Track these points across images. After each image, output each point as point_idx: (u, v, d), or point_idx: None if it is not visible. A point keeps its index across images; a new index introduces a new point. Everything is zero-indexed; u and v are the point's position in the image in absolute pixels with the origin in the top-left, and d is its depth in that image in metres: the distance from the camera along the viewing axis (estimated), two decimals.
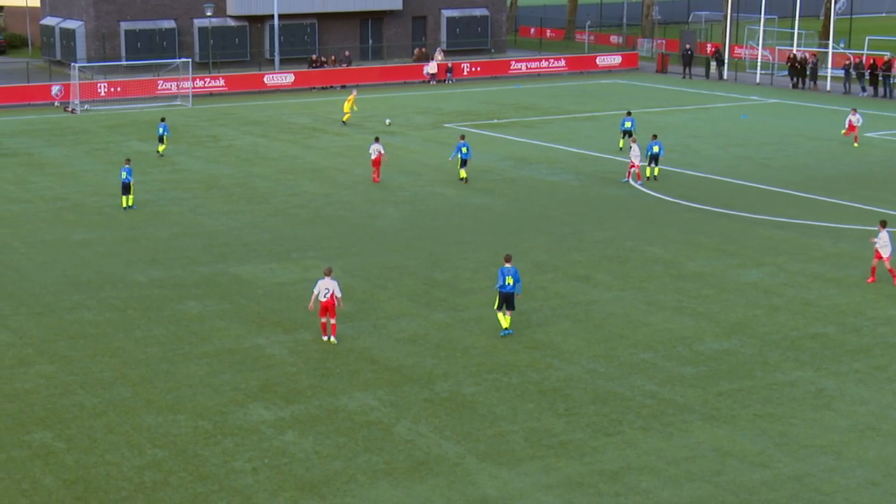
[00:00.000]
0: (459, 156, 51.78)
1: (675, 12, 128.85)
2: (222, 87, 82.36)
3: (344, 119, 68.68)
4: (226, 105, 76.72)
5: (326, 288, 31.16)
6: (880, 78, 79.75)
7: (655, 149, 51.89)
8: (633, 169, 51.45)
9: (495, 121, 69.23)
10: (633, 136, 55.31)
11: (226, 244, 41.64)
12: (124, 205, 46.77)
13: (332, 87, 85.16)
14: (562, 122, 68.87)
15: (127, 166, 46.76)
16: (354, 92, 70.92)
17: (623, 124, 58.74)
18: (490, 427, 26.10)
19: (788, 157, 57.41)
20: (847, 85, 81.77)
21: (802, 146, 60.67)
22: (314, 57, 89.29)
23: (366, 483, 23.47)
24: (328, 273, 31.53)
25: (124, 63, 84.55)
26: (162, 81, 79.67)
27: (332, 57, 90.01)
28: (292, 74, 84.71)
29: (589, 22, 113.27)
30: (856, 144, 59.73)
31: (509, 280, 31.24)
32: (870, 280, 36.76)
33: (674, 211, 46.39)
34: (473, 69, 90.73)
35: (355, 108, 68.89)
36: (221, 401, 27.55)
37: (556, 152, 59.07)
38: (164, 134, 58.62)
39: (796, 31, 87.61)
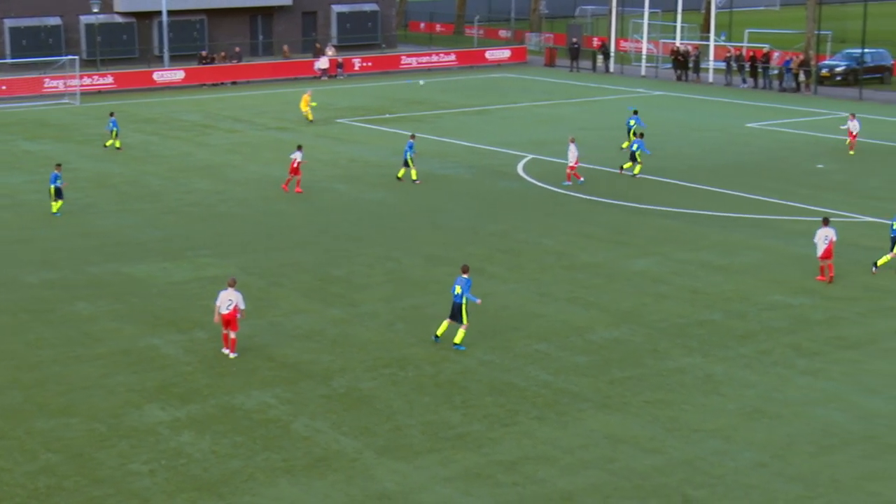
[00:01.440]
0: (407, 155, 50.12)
1: (561, 7, 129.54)
2: (111, 84, 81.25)
3: (309, 118, 67.20)
4: (114, 103, 75.64)
5: (229, 300, 29.64)
6: (759, 70, 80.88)
7: (634, 147, 51.08)
8: (571, 171, 49.66)
9: (386, 115, 69.15)
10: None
11: (118, 244, 41.12)
12: (54, 210, 45.43)
13: (222, 83, 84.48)
14: (453, 117, 68.99)
15: (56, 172, 45.52)
16: (309, 91, 69.94)
17: (628, 123, 57.12)
18: (387, 421, 26.08)
19: (674, 148, 58.02)
20: (728, 77, 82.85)
21: (687, 137, 61.36)
22: (204, 53, 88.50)
23: (265, 481, 23.32)
24: (231, 284, 29.95)
25: (9, 61, 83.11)
26: (48, 79, 78.41)
27: (223, 53, 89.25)
28: (182, 71, 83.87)
29: (478, 17, 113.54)
30: (851, 152, 55.83)
31: (458, 289, 30.15)
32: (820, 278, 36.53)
33: (565, 203, 46.69)
34: (364, 64, 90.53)
35: (313, 103, 67.83)
36: (116, 402, 27.19)
37: (448, 146, 59.17)
38: (114, 129, 57.89)
39: (679, 25, 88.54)
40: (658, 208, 45.38)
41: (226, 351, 30.16)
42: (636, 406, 26.88)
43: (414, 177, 50.29)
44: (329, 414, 26.50)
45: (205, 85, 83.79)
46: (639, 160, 51.08)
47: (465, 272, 30.43)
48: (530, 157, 55.56)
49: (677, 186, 49.42)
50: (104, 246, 40.85)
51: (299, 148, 49.57)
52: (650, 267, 37.71)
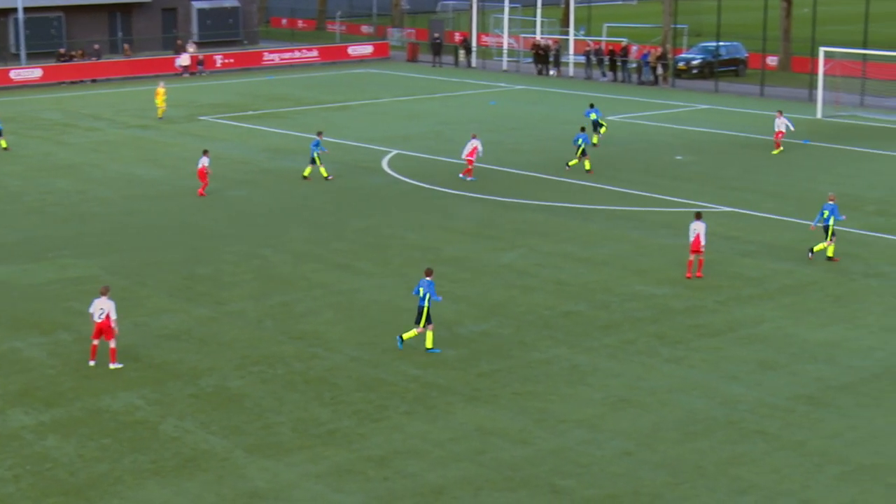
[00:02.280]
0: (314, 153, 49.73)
1: (423, 2, 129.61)
2: None
3: (159, 115, 66.43)
4: None
5: (101, 308, 28.73)
6: (618, 63, 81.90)
7: (580, 141, 50.49)
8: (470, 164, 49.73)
9: (249, 112, 68.65)
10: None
11: None
12: None
13: (82, 81, 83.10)
14: (316, 113, 68.72)
15: None
16: (162, 84, 69.02)
17: (588, 116, 57.47)
18: (257, 419, 25.92)
19: (537, 142, 58.48)
20: (588, 71, 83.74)
21: (549, 131, 61.88)
22: (62, 51, 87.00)
23: (133, 484, 23.01)
24: (104, 292, 28.98)
25: None
26: None
27: (81, 51, 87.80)
28: (40, 69, 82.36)
29: (340, 12, 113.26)
30: (775, 151, 54.95)
31: (422, 292, 29.65)
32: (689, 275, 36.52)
33: (430, 197, 46.82)
34: (226, 61, 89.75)
35: (165, 97, 67.00)
36: None
37: (310, 143, 58.83)
38: None
39: (539, 20, 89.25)
40: (522, 201, 45.72)
41: (93, 362, 29.04)
42: (505, 398, 27.07)
43: (324, 174, 49.73)
44: (198, 414, 26.25)
45: (64, 83, 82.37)
46: (587, 154, 50.71)
47: (428, 275, 29.92)
48: (395, 152, 55.60)
49: (540, 179, 49.82)
50: None
51: (205, 153, 48.07)
52: (516, 260, 37.99)
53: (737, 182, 48.97)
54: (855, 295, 34.30)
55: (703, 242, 35.62)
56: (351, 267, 37.35)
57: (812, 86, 69.51)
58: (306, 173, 50.18)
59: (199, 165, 47.53)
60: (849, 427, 25.34)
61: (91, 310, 29.00)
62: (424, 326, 29.89)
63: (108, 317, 28.72)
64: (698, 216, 36.22)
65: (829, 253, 37.38)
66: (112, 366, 28.92)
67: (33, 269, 37.47)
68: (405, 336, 30.18)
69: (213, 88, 79.75)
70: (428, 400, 26.96)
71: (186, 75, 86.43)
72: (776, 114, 56.13)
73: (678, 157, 53.73)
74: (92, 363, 29.05)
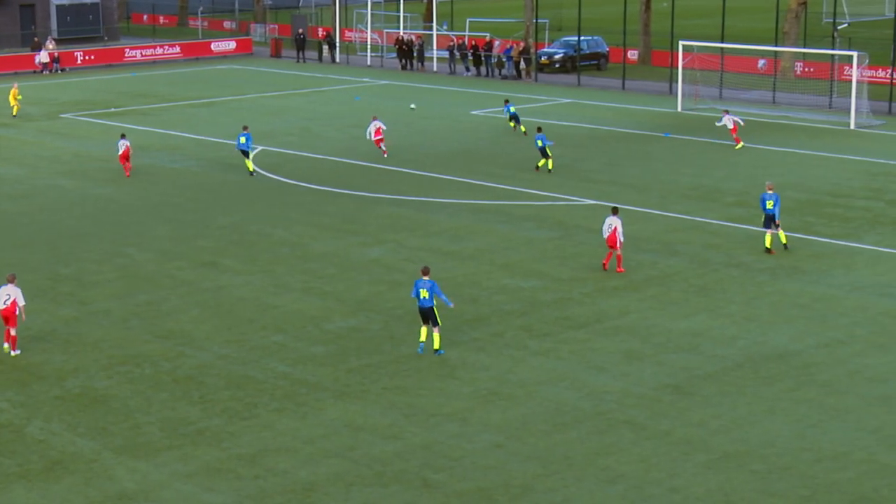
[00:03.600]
0: (238, 147, 49.54)
1: None
2: None
3: (14, 113, 65.27)
4: None
5: (7, 294, 28.97)
6: (482, 58, 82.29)
7: (539, 143, 49.44)
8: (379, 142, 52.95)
9: (112, 109, 67.64)
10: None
11: None
12: None
13: None
14: (179, 109, 67.96)
15: None
16: (16, 84, 67.77)
17: (508, 110, 58.96)
18: (125, 420, 25.55)
19: (402, 137, 58.46)
20: (452, 65, 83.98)
21: (414, 125, 61.92)
22: None
23: None
24: (11, 280, 29.40)
25: None
26: None
27: None
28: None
29: (202, 8, 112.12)
30: (738, 146, 54.82)
31: (424, 293, 28.95)
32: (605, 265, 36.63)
33: (295, 193, 46.58)
34: (87, 58, 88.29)
35: (20, 96, 65.78)
36: None
37: (175, 139, 58.27)
38: None
39: (402, 15, 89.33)
40: (387, 196, 45.71)
41: (6, 345, 29.36)
42: (374, 393, 27.05)
43: (250, 168, 49.79)
44: (64, 415, 25.80)
45: None
46: (549, 154, 49.84)
47: (426, 274, 29.37)
48: (259, 148, 55.14)
49: (405, 174, 49.86)
50: None
51: (123, 136, 49.88)
52: (383, 255, 37.96)
53: (599, 175, 49.50)
54: (717, 285, 34.89)
55: (620, 238, 35.70)
56: (217, 264, 37.01)
57: (672, 79, 70.58)
58: (251, 168, 49.86)
59: (121, 149, 49.04)
60: (713, 415, 25.77)
61: None
62: (434, 327, 29.32)
63: (13, 303, 28.96)
64: (615, 211, 36.27)
65: (784, 239, 37.92)
66: (13, 353, 29.17)
67: None
68: (422, 339, 29.54)
69: (75, 86, 78.41)
70: (297, 397, 26.83)
71: (46, 73, 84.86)
72: (723, 113, 56.50)
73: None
74: (14, 353, 29.31)
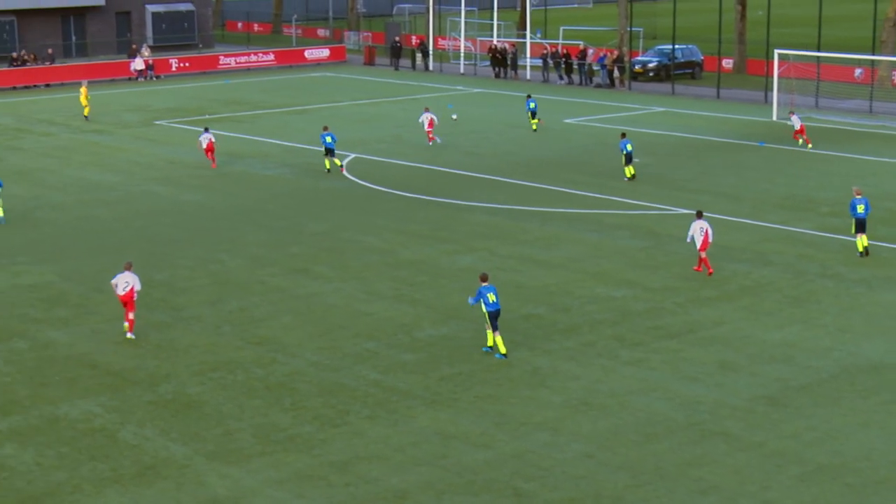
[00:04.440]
0: (324, 146, 51.55)
1: (379, 5, 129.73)
2: None
3: (85, 113, 67.06)
4: None
5: (126, 281, 31.02)
6: (575, 66, 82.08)
7: (629, 147, 49.41)
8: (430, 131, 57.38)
9: (205, 116, 68.37)
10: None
11: None
12: None
13: (35, 86, 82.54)
14: (273, 116, 68.54)
15: None
16: (85, 83, 69.25)
17: (529, 105, 62.12)
18: (217, 426, 25.77)
19: (494, 145, 58.52)
20: (545, 74, 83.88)
21: (506, 134, 61.94)
22: (14, 55, 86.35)
23: (92, 492, 22.83)
24: (128, 267, 31.43)
25: None
26: None
27: (34, 55, 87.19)
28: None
29: (295, 16, 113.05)
30: (809, 146, 56.28)
31: (492, 297, 29.36)
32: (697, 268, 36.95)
33: (386, 200, 46.75)
34: (182, 65, 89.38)
35: (89, 96, 67.39)
36: None
37: (268, 146, 58.76)
38: None
39: (495, 23, 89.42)
40: (479, 204, 45.72)
41: (126, 325, 31.33)
42: (465, 402, 27.05)
43: (333, 165, 51.99)
44: (157, 421, 26.09)
45: (17, 87, 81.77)
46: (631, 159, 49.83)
47: (485, 280, 29.92)
48: (353, 155, 55.49)
49: (497, 182, 49.85)
50: None
51: (206, 129, 53.80)
52: (474, 263, 37.96)
53: (692, 184, 49.15)
54: (811, 296, 34.48)
55: (710, 240, 36.17)
56: (308, 271, 37.24)
57: (767, 88, 69.89)
58: (328, 166, 51.92)
59: (204, 142, 52.85)
60: (808, 427, 25.47)
61: (114, 281, 31.22)
62: (496, 331, 29.72)
63: (132, 289, 30.99)
64: (700, 215, 36.62)
65: (861, 246, 37.95)
66: (129, 335, 31.09)
67: None
68: (491, 343, 29.96)
69: (169, 93, 79.38)
70: (389, 404, 26.91)
71: (141, 80, 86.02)
72: (789, 113, 58.03)
73: (635, 160, 53.48)
74: (130, 335, 31.23)
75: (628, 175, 49.76)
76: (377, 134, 61.77)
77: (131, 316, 31.26)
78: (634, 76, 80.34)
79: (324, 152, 51.83)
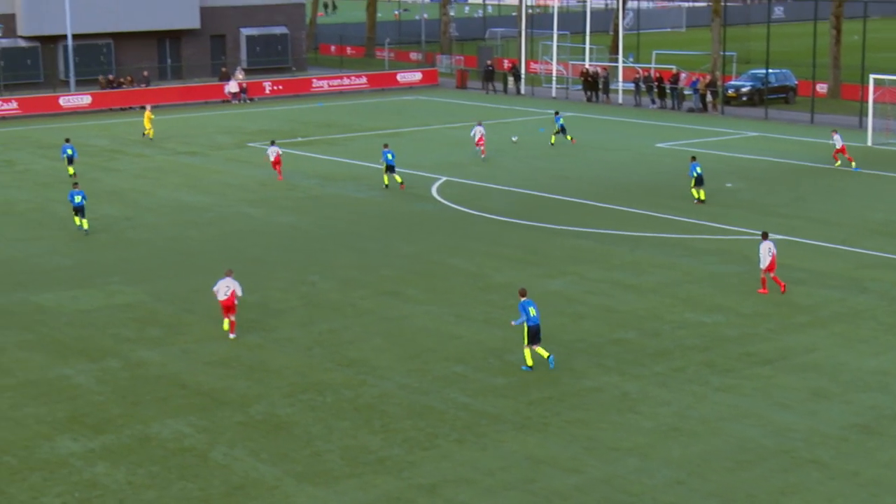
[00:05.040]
0: (385, 163, 53.47)
1: (471, 29, 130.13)
2: (15, 110, 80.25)
3: (150, 135, 68.32)
4: (19, 129, 74.81)
5: (227, 286, 32.88)
6: (667, 90, 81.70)
7: (699, 169, 49.52)
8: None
9: (298, 139, 68.92)
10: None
11: (24, 272, 40.52)
12: (80, 225, 46.18)
13: (130, 108, 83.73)
14: (365, 139, 68.90)
15: (79, 189, 46.51)
16: (148, 107, 70.50)
17: (557, 121, 65.06)
18: (306, 447, 25.90)
19: (584, 169, 58.40)
20: (637, 98, 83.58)
21: (597, 157, 61.78)
22: (110, 77, 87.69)
23: None
24: (229, 274, 33.25)
25: None
26: None
27: (129, 77, 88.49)
28: (89, 96, 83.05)
29: (388, 39, 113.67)
30: (853, 164, 57.26)
31: (533, 311, 30.05)
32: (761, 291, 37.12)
33: (477, 223, 46.79)
34: (275, 88, 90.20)
35: (152, 116, 68.79)
36: (26, 434, 26.73)
37: (360, 169, 59.10)
38: (73, 155, 57.69)
39: (588, 47, 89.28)
40: (569, 228, 45.61)
41: (227, 322, 33.33)
42: (555, 426, 26.95)
43: (392, 181, 53.79)
44: (247, 441, 26.26)
45: (112, 109, 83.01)
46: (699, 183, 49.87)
47: (524, 295, 30.61)
48: (444, 178, 55.65)
49: (587, 206, 49.71)
50: (10, 275, 40.24)
51: (273, 143, 57.19)
52: (564, 287, 37.87)
53: (786, 209, 48.66)
54: None
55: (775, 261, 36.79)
56: (399, 293, 37.35)
57: (862, 113, 69.06)
58: (386, 181, 53.70)
59: (272, 156, 55.74)
60: None
61: (215, 288, 33.14)
62: (537, 344, 30.25)
63: (233, 293, 32.92)
64: (766, 236, 37.04)
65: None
66: (231, 335, 33.00)
67: (81, 295, 37.68)
68: (543, 353, 30.39)
69: (262, 115, 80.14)
70: (478, 428, 26.88)
71: (235, 102, 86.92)
72: (832, 132, 58.27)
73: (728, 185, 53.43)
74: (232, 335, 33.15)
75: (698, 198, 49.58)
76: (468, 157, 61.85)
77: (232, 318, 33.17)
78: (727, 100, 79.75)
79: (384, 169, 53.72)
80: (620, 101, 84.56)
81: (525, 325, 30.22)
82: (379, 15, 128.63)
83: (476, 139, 61.24)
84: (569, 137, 64.57)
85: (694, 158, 50.48)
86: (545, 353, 30.40)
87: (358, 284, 38.42)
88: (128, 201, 52.16)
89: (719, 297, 36.67)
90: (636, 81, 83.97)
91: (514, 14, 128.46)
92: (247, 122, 76.19)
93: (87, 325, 34.59)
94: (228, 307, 33.05)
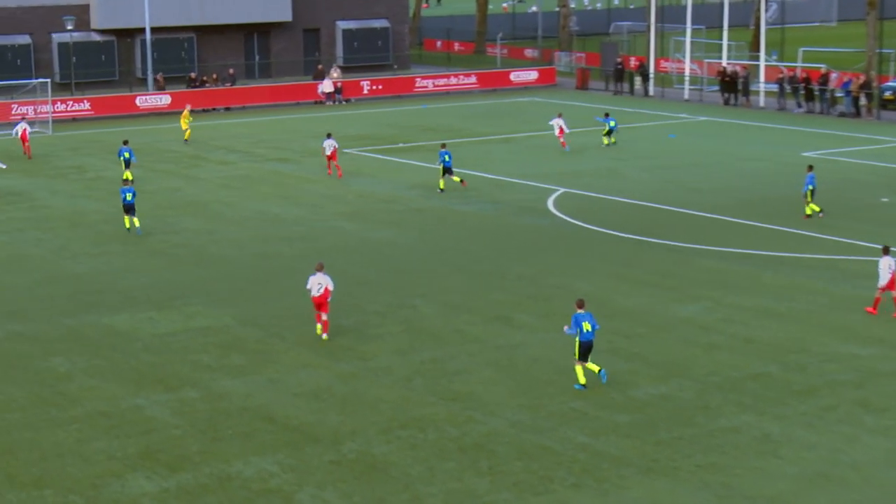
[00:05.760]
0: (442, 164, 55.33)
1: (594, 23, 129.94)
2: (88, 110, 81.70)
3: (186, 137, 69.40)
4: (92, 131, 76.12)
5: (319, 283, 34.80)
6: (816, 93, 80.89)
7: (815, 182, 49.75)
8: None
9: (400, 145, 69.26)
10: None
11: (96, 291, 41.13)
12: (132, 226, 48.41)
13: (214, 109, 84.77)
14: (473, 146, 69.07)
15: (130, 187, 49.10)
16: (188, 106, 71.59)
17: (608, 122, 67.82)
18: (405, 490, 25.96)
19: (720, 180, 58.03)
20: (781, 100, 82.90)
21: (735, 168, 61.38)
22: (193, 76, 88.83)
23: None
24: (320, 269, 35.21)
25: None
26: (17, 105, 78.51)
27: (214, 75, 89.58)
28: (168, 96, 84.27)
29: (501, 34, 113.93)
30: None
31: (587, 326, 31.11)
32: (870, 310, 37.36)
33: (600, 242, 46.67)
34: (374, 87, 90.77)
35: (191, 118, 69.98)
36: (95, 472, 27.07)
37: (468, 179, 59.18)
38: (130, 159, 58.94)
39: (725, 43, 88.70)
40: (703, 247, 45.33)
41: (319, 326, 35.37)
42: (685, 471, 26.76)
43: (449, 183, 55.79)
44: (338, 483, 26.39)
45: (194, 111, 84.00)
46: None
47: (581, 306, 31.54)
48: (562, 190, 55.60)
49: (725, 222, 49.37)
50: (80, 293, 40.86)
51: (329, 136, 59.89)
52: (698, 314, 37.63)
53: None
54: None
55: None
56: (511, 319, 37.33)
57: None
58: (442, 186, 55.58)
59: (328, 149, 58.61)
60: None
61: (308, 286, 35.12)
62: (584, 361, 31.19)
63: (326, 290, 34.80)
64: (887, 251, 36.88)
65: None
66: (324, 336, 35.06)
67: (157, 317, 38.14)
68: (593, 368, 31.18)
69: (359, 118, 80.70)
70: (598, 472, 26.76)
71: (329, 103, 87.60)
72: None
73: (884, 200, 52.78)
74: (325, 336, 35.22)
75: (809, 213, 49.53)
76: (589, 166, 61.76)
77: (324, 317, 35.03)
78: (884, 104, 78.85)
79: (440, 171, 55.59)
80: (762, 104, 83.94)
81: (577, 339, 31.18)
82: (490, 7, 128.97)
83: (556, 131, 65.79)
84: (612, 140, 68.10)
85: (811, 168, 50.35)
86: (595, 368, 31.40)
87: (464, 309, 38.47)
88: (210, 213, 52.76)
89: (874, 326, 36.23)
90: (780, 82, 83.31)
91: (641, 6, 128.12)
92: (343, 126, 76.69)
93: (163, 351, 34.99)
94: (321, 304, 34.97)
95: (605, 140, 68.05)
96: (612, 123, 67.95)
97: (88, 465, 27.43)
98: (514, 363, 33.56)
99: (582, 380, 31.34)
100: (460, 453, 27.82)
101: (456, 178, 55.46)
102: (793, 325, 36.58)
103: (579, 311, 31.37)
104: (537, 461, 27.33)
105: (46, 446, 28.41)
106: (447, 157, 55.34)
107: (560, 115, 66.57)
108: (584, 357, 31.35)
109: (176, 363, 33.93)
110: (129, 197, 47.80)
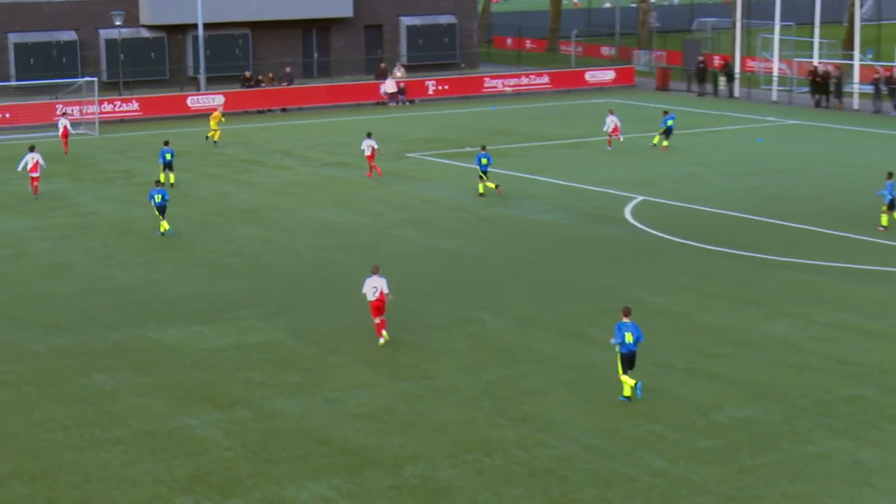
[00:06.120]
0: (479, 168, 56.30)
1: (676, 19, 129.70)
2: (136, 111, 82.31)
3: (215, 138, 70.03)
4: (140, 133, 76.60)
5: (374, 286, 35.82)
6: None
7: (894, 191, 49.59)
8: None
9: (466, 149, 69.26)
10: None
11: (143, 302, 41.34)
12: (162, 229, 49.52)
13: (270, 110, 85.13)
14: (546, 150, 69.03)
15: (160, 188, 50.15)
16: (220, 107, 72.07)
17: (665, 122, 68.24)
18: None
19: (809, 187, 57.73)
20: (877, 102, 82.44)
21: (827, 174, 61.06)
22: (247, 75, 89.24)
23: None
24: (376, 271, 36.23)
25: (14, 84, 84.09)
26: (61, 105, 79.10)
27: (270, 74, 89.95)
28: (221, 96, 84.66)
29: (576, 31, 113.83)
30: None
31: (629, 337, 31.61)
32: None
33: (680, 253, 46.49)
34: (440, 87, 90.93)
35: (223, 119, 70.37)
36: (140, 496, 27.15)
37: (540, 185, 59.16)
38: (171, 161, 59.67)
39: (817, 41, 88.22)
40: (792, 260, 45.07)
41: (381, 340, 36.09)
42: (769, 500, 26.59)
43: (483, 190, 56.61)
44: None
45: (249, 112, 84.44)
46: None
47: (627, 315, 31.98)
48: (640, 198, 55.43)
49: (814, 233, 49.09)
50: (126, 305, 41.09)
51: (369, 135, 61.18)
52: (786, 331, 37.39)
53: None
54: None
55: None
56: (585, 335, 37.22)
57: None
58: (481, 190, 56.54)
59: (367, 150, 60.32)
60: None
61: (364, 290, 36.17)
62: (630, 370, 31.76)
63: (381, 293, 35.85)
64: None
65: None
66: (383, 336, 36.10)
67: (208, 331, 38.28)
68: (628, 393, 31.78)
69: (424, 120, 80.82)
70: (676, 499, 26.63)
71: (392, 104, 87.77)
72: None
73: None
74: (383, 337, 36.09)
75: (885, 224, 49.22)
76: (669, 172, 61.55)
77: (378, 320, 36.15)
78: None
79: (479, 175, 56.59)
80: (856, 106, 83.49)
81: (617, 350, 31.79)
82: (564, 2, 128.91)
83: (609, 130, 67.80)
84: (665, 143, 68.18)
85: (891, 175, 49.79)
86: (632, 382, 31.86)
87: (535, 324, 38.39)
88: (264, 220, 52.94)
89: None
90: (875, 83, 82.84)
91: (725, 1, 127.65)
92: (406, 129, 76.85)
93: (214, 368, 35.11)
94: (378, 308, 35.93)
95: (657, 139, 68.51)
96: (671, 123, 68.03)
97: (134, 488, 27.51)
98: (589, 383, 33.43)
99: (627, 392, 31.78)
100: (529, 479, 27.73)
101: (491, 184, 56.12)
102: (890, 344, 36.29)
103: (624, 319, 31.73)
104: (612, 488, 27.21)
105: (90, 468, 28.53)
106: (484, 161, 56.20)
107: (612, 113, 68.42)
108: (626, 368, 31.84)
109: (227, 380, 34.02)
110: (158, 199, 48.52)
